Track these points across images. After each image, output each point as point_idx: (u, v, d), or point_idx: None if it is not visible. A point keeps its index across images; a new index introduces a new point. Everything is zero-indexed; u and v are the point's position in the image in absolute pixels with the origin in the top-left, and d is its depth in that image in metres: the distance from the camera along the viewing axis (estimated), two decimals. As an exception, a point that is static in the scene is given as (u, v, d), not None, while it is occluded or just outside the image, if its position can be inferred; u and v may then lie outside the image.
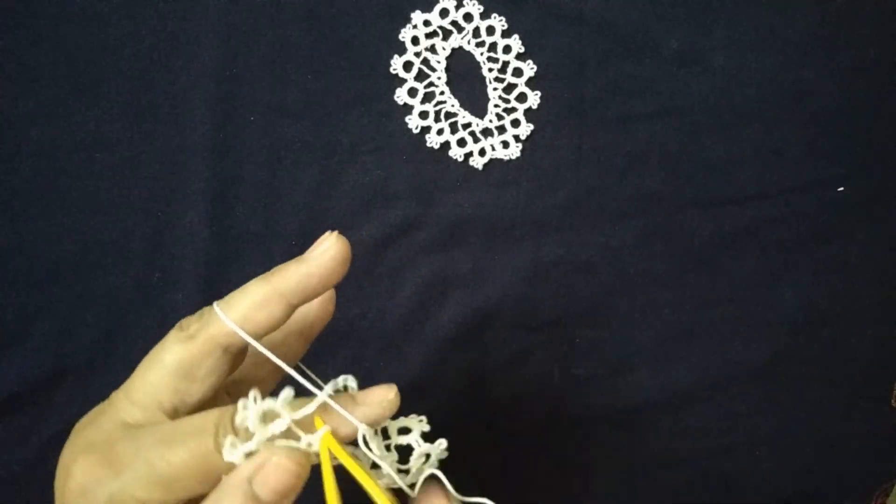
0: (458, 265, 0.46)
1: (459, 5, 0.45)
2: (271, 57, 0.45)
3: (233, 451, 0.24)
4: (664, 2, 0.45)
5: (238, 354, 0.28)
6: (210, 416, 0.25)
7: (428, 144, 0.46)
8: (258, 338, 0.27)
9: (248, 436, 0.25)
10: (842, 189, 0.47)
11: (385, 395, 0.27)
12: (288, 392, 0.25)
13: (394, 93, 0.45)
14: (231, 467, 0.24)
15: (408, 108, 0.46)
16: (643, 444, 0.48)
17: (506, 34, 0.45)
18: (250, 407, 0.25)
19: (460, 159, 0.46)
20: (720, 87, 0.46)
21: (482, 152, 0.46)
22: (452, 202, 0.46)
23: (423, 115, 0.46)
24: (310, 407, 0.25)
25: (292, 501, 0.25)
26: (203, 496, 0.25)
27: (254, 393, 0.25)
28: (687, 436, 0.48)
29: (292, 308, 0.27)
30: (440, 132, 0.46)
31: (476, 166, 0.46)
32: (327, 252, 0.28)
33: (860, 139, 0.47)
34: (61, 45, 0.44)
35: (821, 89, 0.46)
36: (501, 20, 0.45)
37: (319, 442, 0.25)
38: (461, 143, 0.46)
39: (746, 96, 0.46)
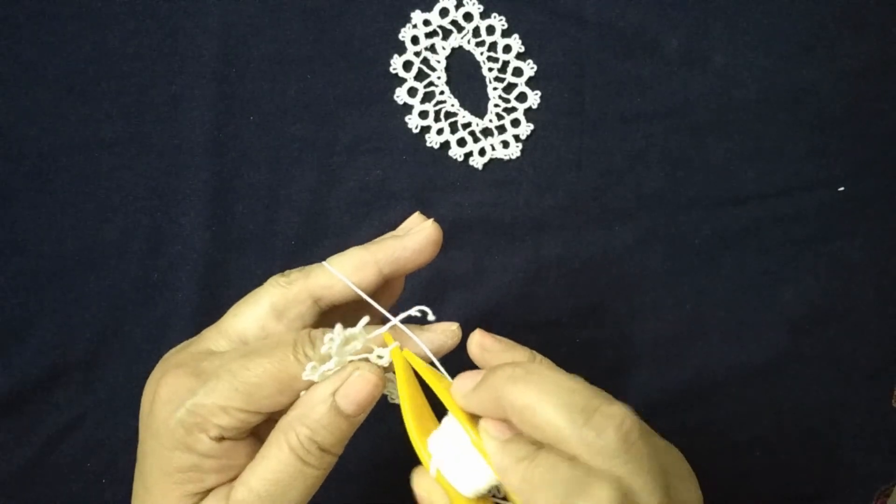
0: (458, 265, 0.46)
1: (459, 5, 0.45)
2: (271, 57, 0.45)
3: (313, 372, 0.28)
4: (664, 2, 0.45)
5: (323, 311, 0.31)
6: (289, 335, 0.29)
7: (428, 144, 0.46)
8: (348, 298, 0.30)
9: (326, 360, 0.28)
10: (842, 189, 0.47)
11: (449, 326, 0.31)
12: (365, 319, 0.29)
13: (394, 92, 0.45)
14: (309, 384, 0.28)
15: (408, 108, 0.46)
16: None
17: (506, 34, 0.45)
18: (336, 335, 0.28)
19: (460, 159, 0.46)
20: (720, 87, 0.46)
21: (482, 152, 0.46)
22: (452, 202, 0.46)
23: (423, 114, 0.46)
24: (381, 329, 0.29)
25: (366, 414, 0.28)
26: (278, 413, 0.28)
27: (339, 325, 0.28)
28: (687, 436, 0.48)
29: (383, 277, 0.31)
30: (440, 132, 0.46)
31: (476, 166, 0.46)
32: (422, 231, 0.32)
33: (860, 139, 0.47)
34: (61, 45, 0.44)
35: (821, 89, 0.46)
36: (501, 20, 0.45)
37: (390, 353, 0.29)
38: (461, 142, 0.46)
39: (746, 96, 0.46)
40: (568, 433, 0.25)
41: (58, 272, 0.44)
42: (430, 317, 0.30)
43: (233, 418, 0.27)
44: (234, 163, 0.45)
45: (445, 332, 0.31)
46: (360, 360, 0.29)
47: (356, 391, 0.28)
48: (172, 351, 0.31)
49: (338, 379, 0.28)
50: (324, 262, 0.31)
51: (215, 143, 0.45)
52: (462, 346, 0.44)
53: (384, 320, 0.30)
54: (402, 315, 0.29)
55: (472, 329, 0.46)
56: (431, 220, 0.32)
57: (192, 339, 0.31)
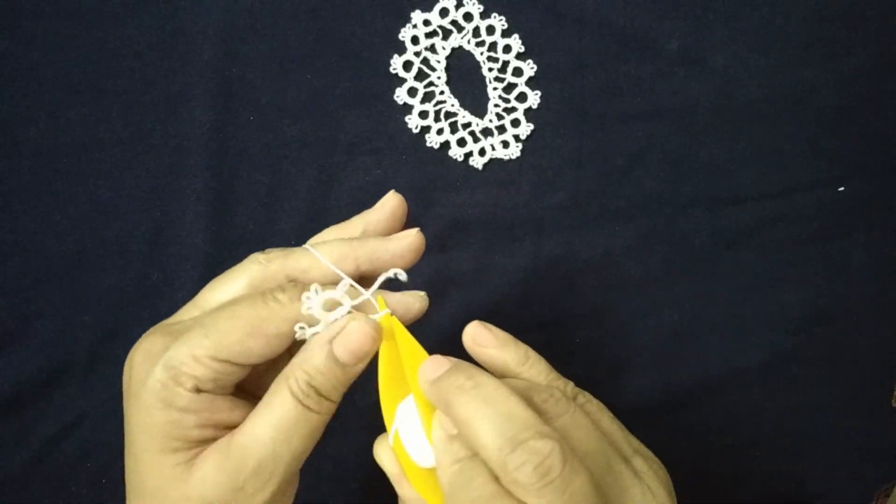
0: (458, 265, 0.46)
1: (459, 5, 0.45)
2: (271, 56, 0.45)
3: (303, 333, 0.29)
4: (664, 2, 0.45)
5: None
6: (259, 291, 0.30)
7: (428, 144, 0.46)
8: (323, 282, 0.30)
9: (313, 322, 0.29)
10: (842, 189, 0.47)
11: (417, 293, 0.33)
12: (346, 281, 0.30)
13: (393, 92, 0.45)
14: (283, 330, 0.29)
15: (408, 108, 0.46)
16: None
17: (506, 34, 0.45)
18: (313, 296, 0.29)
19: (460, 159, 0.46)
20: (720, 87, 0.46)
21: (482, 152, 0.46)
22: (452, 202, 0.46)
23: (423, 114, 0.46)
24: (366, 294, 0.30)
25: (363, 366, 0.29)
26: (253, 371, 0.29)
27: (315, 286, 0.29)
28: (687, 436, 0.48)
29: (359, 273, 0.32)
30: (440, 132, 0.46)
31: (476, 166, 0.46)
32: (406, 238, 0.33)
33: (860, 139, 0.47)
34: (61, 45, 0.44)
35: (821, 89, 0.46)
36: (501, 20, 0.45)
37: (380, 319, 0.30)
38: (461, 142, 0.46)
39: (746, 96, 0.46)
40: (494, 457, 0.26)
41: (58, 272, 0.44)
42: (402, 277, 0.31)
43: (206, 367, 0.28)
44: (234, 163, 0.45)
45: (414, 296, 0.32)
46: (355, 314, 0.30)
47: (351, 340, 0.29)
48: (152, 328, 0.31)
49: (336, 327, 0.29)
50: (306, 246, 0.32)
51: (215, 143, 0.45)
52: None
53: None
54: (380, 279, 0.31)
55: (472, 329, 0.46)
56: (416, 229, 0.33)
57: (169, 318, 0.32)
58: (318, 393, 0.29)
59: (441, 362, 0.29)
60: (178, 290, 0.45)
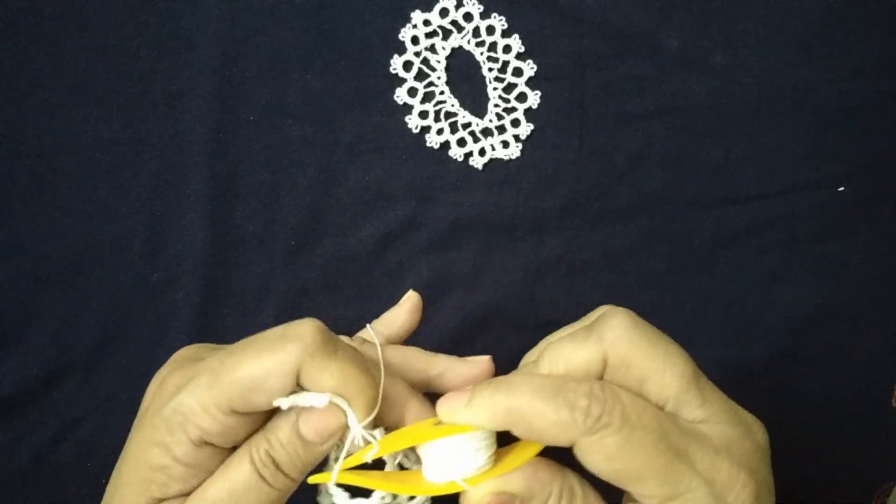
0: (458, 265, 0.46)
1: (459, 5, 0.45)
2: (271, 56, 0.45)
3: (285, 402, 0.27)
4: (664, 2, 0.45)
5: None
6: (282, 327, 0.29)
7: (428, 144, 0.46)
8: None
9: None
10: (842, 189, 0.47)
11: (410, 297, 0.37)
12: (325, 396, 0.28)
13: (394, 92, 0.45)
14: (287, 384, 0.27)
15: (408, 108, 0.46)
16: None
17: (506, 34, 0.45)
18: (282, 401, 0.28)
19: (460, 159, 0.46)
20: (720, 87, 0.46)
21: (482, 152, 0.46)
22: (452, 202, 0.46)
23: (423, 114, 0.46)
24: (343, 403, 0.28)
25: (327, 448, 0.29)
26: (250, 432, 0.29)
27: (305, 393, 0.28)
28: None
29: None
30: (440, 132, 0.46)
31: (476, 166, 0.46)
32: (478, 366, 0.34)
33: (860, 139, 0.47)
34: (61, 45, 0.44)
35: (821, 89, 0.46)
36: (501, 20, 0.45)
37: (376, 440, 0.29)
38: (461, 142, 0.46)
39: (746, 96, 0.46)
40: (559, 417, 0.27)
41: (58, 272, 0.44)
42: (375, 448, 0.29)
43: (213, 419, 0.27)
44: (234, 163, 0.45)
45: (408, 309, 0.33)
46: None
47: (317, 418, 0.28)
48: (187, 348, 0.31)
49: (308, 403, 0.28)
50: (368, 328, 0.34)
51: (215, 143, 0.45)
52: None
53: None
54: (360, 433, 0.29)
55: (472, 329, 0.46)
56: (488, 357, 0.34)
57: (213, 346, 0.32)
58: (277, 466, 0.28)
59: (459, 393, 0.28)
60: (178, 290, 0.45)
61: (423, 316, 0.47)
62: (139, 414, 0.29)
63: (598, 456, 0.26)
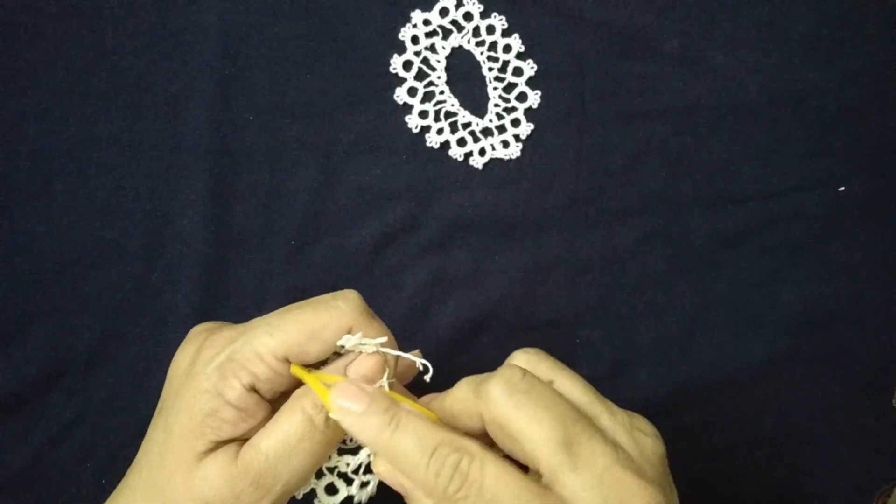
0: (458, 265, 0.46)
1: (459, 4, 0.45)
2: (270, 56, 0.45)
3: (351, 339, 0.31)
4: (664, 2, 0.45)
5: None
6: (318, 299, 0.32)
7: (428, 144, 0.46)
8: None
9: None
10: (842, 189, 0.47)
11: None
12: (382, 339, 0.32)
13: (393, 92, 0.45)
14: (338, 336, 0.31)
15: (407, 108, 0.46)
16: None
17: (506, 33, 0.45)
18: (350, 339, 0.31)
19: (460, 159, 0.46)
20: (720, 87, 0.46)
21: (482, 152, 0.46)
22: (452, 202, 0.46)
23: (423, 114, 0.46)
24: (400, 353, 0.33)
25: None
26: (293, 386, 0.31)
27: (347, 336, 0.31)
28: (687, 436, 0.48)
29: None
30: (440, 132, 0.46)
31: (476, 166, 0.46)
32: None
33: (860, 139, 0.47)
34: (61, 45, 0.44)
35: (821, 89, 0.46)
36: (501, 19, 0.45)
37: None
38: (461, 142, 0.46)
39: (746, 96, 0.46)
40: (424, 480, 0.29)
41: (58, 272, 0.44)
42: (427, 377, 0.33)
43: (266, 366, 0.30)
44: (233, 163, 0.45)
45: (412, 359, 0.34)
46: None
47: (364, 365, 0.31)
48: (205, 323, 0.33)
49: (351, 356, 0.32)
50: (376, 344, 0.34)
51: (214, 143, 0.45)
52: (461, 352, 0.44)
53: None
54: (407, 355, 0.33)
55: (472, 329, 0.46)
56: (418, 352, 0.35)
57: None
58: (326, 416, 0.30)
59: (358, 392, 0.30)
60: (178, 290, 0.45)
61: (424, 316, 0.47)
62: (181, 368, 0.31)
63: None
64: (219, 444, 0.30)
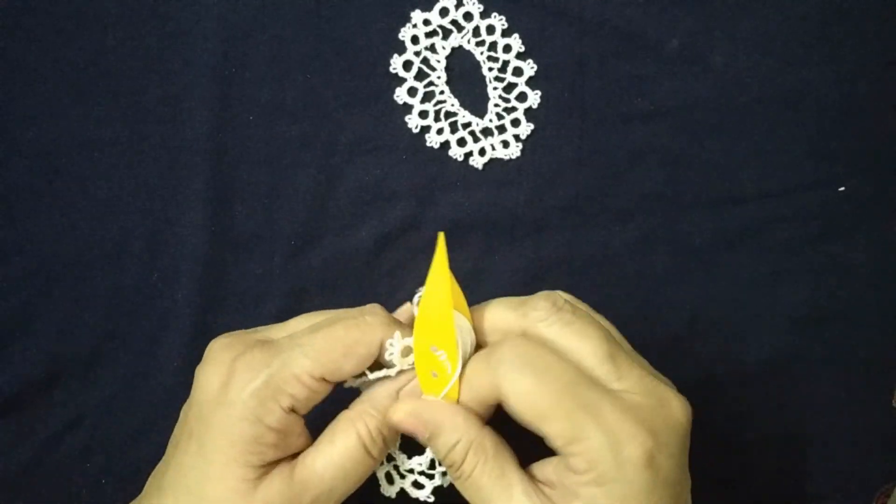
0: (458, 265, 0.46)
1: (459, 4, 0.45)
2: (270, 56, 0.45)
3: (374, 376, 0.32)
4: (664, 2, 0.45)
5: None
6: (348, 315, 0.32)
7: (428, 144, 0.46)
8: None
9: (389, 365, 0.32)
10: (842, 189, 0.47)
11: None
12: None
13: (393, 92, 0.45)
14: (372, 351, 0.32)
15: (407, 108, 0.46)
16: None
17: (506, 33, 0.45)
18: (396, 342, 0.32)
19: (460, 159, 0.46)
20: (720, 87, 0.46)
21: (482, 152, 0.46)
22: (452, 202, 0.46)
23: (423, 114, 0.46)
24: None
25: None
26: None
27: (397, 334, 0.32)
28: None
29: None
30: (440, 132, 0.46)
31: (476, 166, 0.46)
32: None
33: (860, 139, 0.47)
34: (60, 45, 0.44)
35: (821, 89, 0.46)
36: (501, 19, 0.45)
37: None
38: (461, 142, 0.46)
39: (746, 96, 0.46)
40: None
41: (58, 272, 0.44)
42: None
43: (305, 387, 0.30)
44: (233, 163, 0.45)
45: None
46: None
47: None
48: (223, 341, 0.33)
49: (404, 378, 0.32)
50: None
51: (214, 143, 0.45)
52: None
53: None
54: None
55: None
56: None
57: (249, 330, 0.35)
58: (384, 440, 0.31)
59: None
60: (178, 290, 0.45)
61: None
62: (207, 399, 0.30)
63: (514, 397, 0.29)
64: (267, 468, 0.30)
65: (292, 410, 0.30)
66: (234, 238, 0.45)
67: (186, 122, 0.44)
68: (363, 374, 0.32)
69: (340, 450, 0.31)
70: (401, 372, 0.32)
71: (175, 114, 0.44)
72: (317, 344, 0.30)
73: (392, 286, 0.46)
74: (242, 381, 0.30)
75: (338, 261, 0.46)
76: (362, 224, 0.46)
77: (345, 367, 0.31)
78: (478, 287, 0.46)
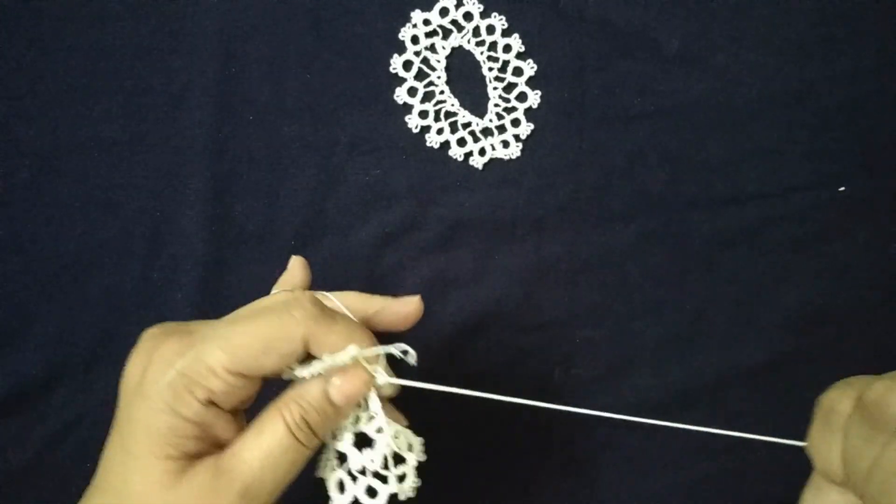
0: (458, 265, 0.46)
1: (459, 4, 0.45)
2: (270, 56, 0.45)
3: (302, 370, 0.30)
4: (664, 2, 0.45)
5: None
6: (281, 296, 0.31)
7: (428, 144, 0.46)
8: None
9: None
10: (842, 189, 0.47)
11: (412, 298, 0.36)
12: (352, 349, 0.31)
13: (393, 92, 0.45)
14: (295, 349, 0.30)
15: (407, 108, 0.46)
16: (643, 444, 0.48)
17: (506, 33, 0.45)
18: (326, 358, 0.30)
19: (460, 159, 0.46)
20: (720, 87, 0.46)
21: (482, 152, 0.46)
22: (452, 202, 0.46)
23: (423, 114, 0.46)
24: (374, 350, 0.31)
25: (350, 408, 0.31)
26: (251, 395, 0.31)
27: (326, 354, 0.30)
28: (687, 436, 0.48)
29: (368, 324, 0.35)
30: (440, 132, 0.46)
31: (476, 166, 0.46)
32: (411, 304, 0.36)
33: (860, 139, 0.47)
34: (61, 45, 0.44)
35: (821, 89, 0.46)
36: (501, 19, 0.45)
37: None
38: (461, 142, 0.46)
39: (746, 96, 0.46)
40: None
41: (58, 272, 0.44)
42: (412, 360, 0.32)
43: (221, 380, 0.29)
44: (233, 163, 0.45)
45: (409, 304, 0.35)
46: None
47: (345, 384, 0.30)
48: (155, 329, 0.32)
49: (336, 366, 0.31)
50: (325, 293, 0.35)
51: (214, 143, 0.45)
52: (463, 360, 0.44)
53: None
54: (385, 349, 0.32)
55: (472, 329, 0.46)
56: (419, 296, 0.36)
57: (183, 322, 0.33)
58: (310, 428, 0.30)
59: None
60: (178, 290, 0.45)
61: (424, 316, 0.47)
62: (131, 385, 0.30)
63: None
64: (191, 459, 0.29)
65: (211, 403, 0.29)
66: (234, 238, 0.45)
67: (186, 122, 0.44)
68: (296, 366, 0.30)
69: (268, 437, 0.29)
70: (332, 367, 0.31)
71: (175, 114, 0.44)
72: (234, 338, 0.29)
73: (392, 286, 0.46)
74: (158, 373, 0.29)
75: (338, 261, 0.46)
76: (362, 224, 0.46)
77: (264, 363, 0.29)
78: (478, 287, 0.47)
